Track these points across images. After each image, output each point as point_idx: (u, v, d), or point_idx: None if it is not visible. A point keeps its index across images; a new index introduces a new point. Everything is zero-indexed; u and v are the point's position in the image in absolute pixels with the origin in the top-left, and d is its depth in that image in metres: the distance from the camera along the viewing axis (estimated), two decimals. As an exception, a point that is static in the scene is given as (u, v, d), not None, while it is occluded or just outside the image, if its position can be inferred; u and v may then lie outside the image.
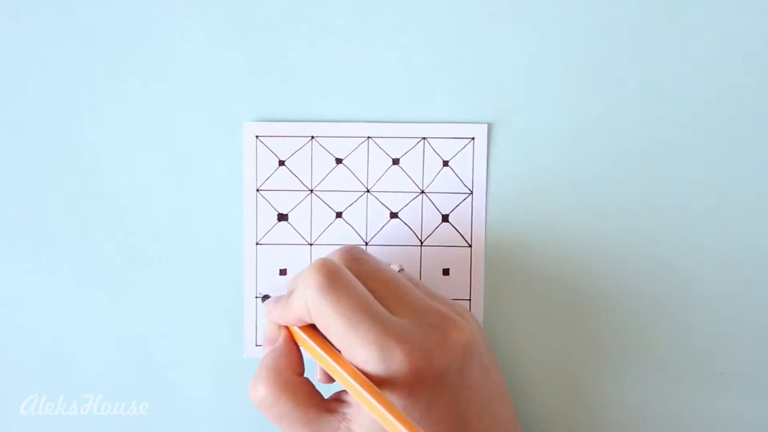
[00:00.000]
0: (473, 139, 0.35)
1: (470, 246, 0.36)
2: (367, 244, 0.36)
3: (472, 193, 0.35)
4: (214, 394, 0.36)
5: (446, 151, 0.35)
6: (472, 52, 0.35)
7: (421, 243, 0.36)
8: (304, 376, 0.31)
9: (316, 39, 0.35)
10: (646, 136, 0.35)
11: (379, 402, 0.27)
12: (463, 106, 0.35)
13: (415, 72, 0.35)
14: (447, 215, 0.36)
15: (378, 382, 0.27)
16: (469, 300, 0.36)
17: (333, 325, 0.28)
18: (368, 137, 0.35)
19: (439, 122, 0.35)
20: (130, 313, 0.36)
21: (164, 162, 0.35)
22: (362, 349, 0.28)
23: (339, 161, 0.35)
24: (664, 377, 0.36)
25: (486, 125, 0.35)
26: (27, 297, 0.36)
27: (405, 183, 0.36)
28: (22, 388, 0.36)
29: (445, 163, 0.35)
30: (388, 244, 0.36)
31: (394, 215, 0.36)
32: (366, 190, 0.36)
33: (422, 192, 0.36)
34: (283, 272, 0.36)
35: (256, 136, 0.35)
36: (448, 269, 0.36)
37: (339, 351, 0.29)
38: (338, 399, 0.30)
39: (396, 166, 0.35)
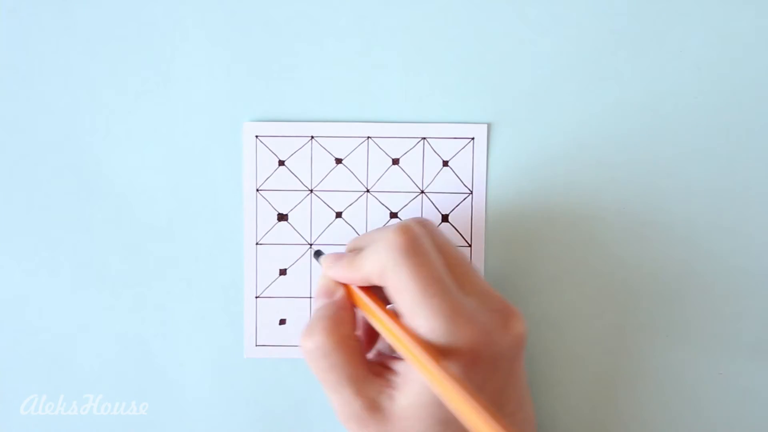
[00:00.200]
0: (473, 139, 0.35)
1: (470, 246, 0.36)
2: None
3: (471, 193, 0.35)
4: (214, 394, 0.36)
5: (446, 151, 0.35)
6: (472, 53, 0.35)
7: (421, 243, 0.36)
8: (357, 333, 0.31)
9: (316, 39, 0.35)
10: (646, 136, 0.35)
11: (438, 368, 0.27)
12: (462, 106, 0.35)
13: (414, 72, 0.35)
14: (447, 215, 0.36)
15: (437, 354, 0.27)
16: (469, 300, 0.36)
17: (407, 289, 0.28)
18: (368, 137, 0.35)
19: (438, 122, 0.35)
20: (130, 313, 0.36)
21: (164, 162, 0.35)
22: (431, 319, 0.28)
23: (339, 161, 0.35)
24: (665, 377, 0.36)
25: (486, 125, 0.35)
26: (27, 297, 0.36)
27: (405, 183, 0.36)
28: (22, 388, 0.36)
29: (445, 163, 0.35)
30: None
31: (394, 215, 0.36)
32: (366, 190, 0.36)
33: (422, 192, 0.36)
34: (283, 272, 0.36)
35: (256, 136, 0.35)
36: (448, 269, 0.36)
37: (397, 316, 0.29)
38: (384, 365, 0.30)
39: (396, 166, 0.35)
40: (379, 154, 0.35)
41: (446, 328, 0.27)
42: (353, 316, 0.31)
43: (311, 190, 0.36)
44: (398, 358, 0.30)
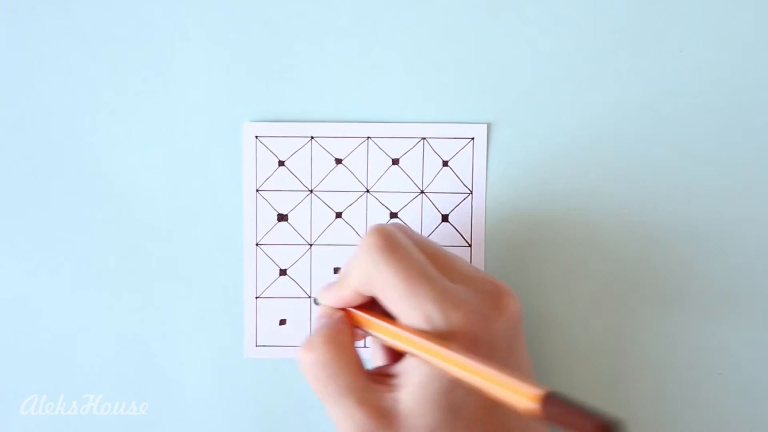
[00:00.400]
0: (473, 139, 0.35)
1: (470, 246, 0.36)
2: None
3: (471, 192, 0.35)
4: (214, 394, 0.36)
5: (446, 151, 0.35)
6: (471, 52, 0.35)
7: (421, 243, 0.36)
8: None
9: (316, 39, 0.35)
10: (646, 136, 0.35)
11: (444, 347, 0.27)
12: (462, 106, 0.35)
13: (414, 72, 0.35)
14: (447, 215, 0.36)
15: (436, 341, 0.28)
16: (469, 300, 0.36)
17: (393, 285, 0.28)
18: (368, 137, 0.35)
19: (438, 122, 0.35)
20: (130, 313, 0.36)
21: (164, 162, 0.35)
22: (422, 308, 0.28)
23: (339, 161, 0.35)
24: (664, 377, 0.36)
25: (485, 125, 0.35)
26: (27, 297, 0.36)
27: (405, 183, 0.36)
28: (22, 388, 0.36)
29: (445, 163, 0.35)
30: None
31: (393, 215, 0.36)
32: (366, 190, 0.36)
33: (422, 192, 0.36)
34: (283, 272, 0.36)
35: (256, 137, 0.35)
36: (447, 269, 0.36)
37: (394, 320, 0.29)
38: (382, 372, 0.30)
39: (396, 166, 0.35)
40: (379, 154, 0.35)
41: (439, 314, 0.28)
42: (352, 331, 0.31)
43: (311, 191, 0.36)
44: (394, 364, 0.30)
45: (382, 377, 0.30)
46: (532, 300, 0.35)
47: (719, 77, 0.35)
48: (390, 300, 0.29)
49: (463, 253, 0.36)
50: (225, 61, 0.35)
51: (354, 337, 0.31)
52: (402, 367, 0.29)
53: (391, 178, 0.36)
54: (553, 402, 0.23)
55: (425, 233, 0.36)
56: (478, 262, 0.35)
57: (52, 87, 0.35)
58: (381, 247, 0.29)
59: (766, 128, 0.35)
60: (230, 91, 0.35)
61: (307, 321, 0.36)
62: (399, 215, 0.36)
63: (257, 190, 0.36)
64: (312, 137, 0.35)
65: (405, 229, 0.31)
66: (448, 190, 0.36)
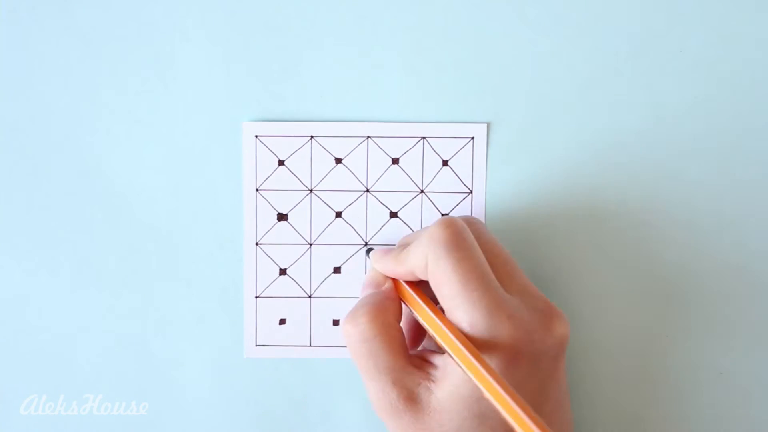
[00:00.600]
0: (472, 138, 0.35)
1: (470, 246, 0.36)
2: (366, 243, 0.36)
3: (471, 192, 0.35)
4: (214, 394, 0.36)
5: (446, 150, 0.35)
6: (472, 52, 0.35)
7: (421, 243, 0.36)
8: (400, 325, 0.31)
9: (316, 39, 0.35)
10: (646, 136, 0.35)
11: (478, 361, 0.27)
12: (462, 105, 0.35)
13: (414, 72, 0.35)
14: (446, 215, 0.36)
15: (477, 348, 0.28)
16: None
17: (448, 282, 0.28)
18: (368, 137, 0.35)
19: (438, 122, 0.35)
20: (130, 313, 0.36)
21: (164, 162, 0.35)
22: (471, 312, 0.28)
23: (338, 161, 0.35)
24: (664, 377, 0.35)
25: (485, 125, 0.35)
26: (27, 297, 0.36)
27: (404, 183, 0.36)
28: (22, 388, 0.36)
29: (445, 163, 0.35)
30: (388, 244, 0.36)
31: (393, 215, 0.36)
32: (366, 189, 0.36)
33: (422, 191, 0.36)
34: (282, 272, 0.36)
35: (256, 136, 0.35)
36: (447, 269, 0.36)
37: (442, 311, 0.29)
38: (424, 358, 0.30)
39: (395, 165, 0.35)
40: (379, 154, 0.35)
41: (486, 321, 0.28)
42: (399, 307, 0.31)
43: (311, 190, 0.36)
44: (439, 352, 0.30)
45: (422, 362, 0.30)
46: (532, 300, 0.35)
47: (719, 77, 0.35)
48: (441, 294, 0.29)
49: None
50: (225, 61, 0.35)
51: (399, 316, 0.31)
52: (443, 362, 0.29)
53: (391, 177, 0.36)
54: None
55: (425, 233, 0.36)
56: (478, 261, 0.35)
57: (52, 87, 0.35)
58: (446, 241, 0.29)
59: (766, 128, 0.35)
60: (230, 91, 0.35)
61: (307, 321, 0.36)
62: (399, 215, 0.36)
63: (257, 190, 0.36)
64: (312, 137, 0.35)
65: (478, 227, 0.31)
66: (448, 190, 0.36)
